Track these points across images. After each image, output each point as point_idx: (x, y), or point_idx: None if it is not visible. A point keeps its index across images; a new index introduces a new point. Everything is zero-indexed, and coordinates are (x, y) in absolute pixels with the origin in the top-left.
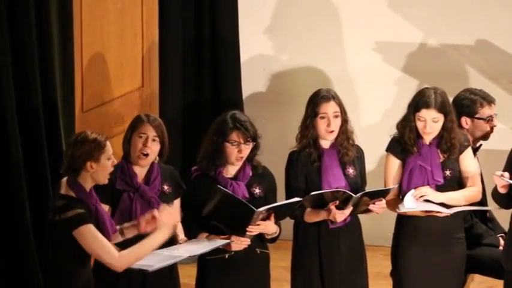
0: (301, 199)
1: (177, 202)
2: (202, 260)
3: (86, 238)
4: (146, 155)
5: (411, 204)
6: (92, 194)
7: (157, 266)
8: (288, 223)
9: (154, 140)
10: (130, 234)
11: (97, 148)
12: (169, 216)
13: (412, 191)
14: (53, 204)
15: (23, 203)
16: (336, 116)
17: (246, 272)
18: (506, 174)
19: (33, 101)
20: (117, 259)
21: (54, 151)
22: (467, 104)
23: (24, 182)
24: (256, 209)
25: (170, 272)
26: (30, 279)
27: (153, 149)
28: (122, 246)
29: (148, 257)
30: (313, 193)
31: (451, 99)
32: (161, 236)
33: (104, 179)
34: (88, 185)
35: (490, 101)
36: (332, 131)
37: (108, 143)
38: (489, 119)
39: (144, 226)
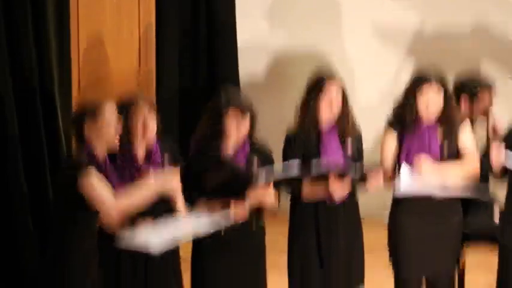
0: (300, 170)
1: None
2: (197, 238)
3: (87, 183)
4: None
5: (407, 182)
6: (106, 160)
7: (161, 246)
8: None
9: (150, 113)
10: None
11: (94, 107)
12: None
13: (406, 175)
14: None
15: (19, 183)
16: (339, 98)
17: (241, 250)
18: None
19: (30, 83)
20: (111, 205)
21: (52, 132)
22: (468, 86)
23: (20, 159)
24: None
25: (172, 254)
26: (26, 261)
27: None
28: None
29: (151, 235)
30: (313, 162)
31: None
32: (154, 184)
33: (109, 136)
34: (97, 149)
35: (488, 85)
36: (335, 112)
37: (107, 104)
38: (489, 102)
39: None
